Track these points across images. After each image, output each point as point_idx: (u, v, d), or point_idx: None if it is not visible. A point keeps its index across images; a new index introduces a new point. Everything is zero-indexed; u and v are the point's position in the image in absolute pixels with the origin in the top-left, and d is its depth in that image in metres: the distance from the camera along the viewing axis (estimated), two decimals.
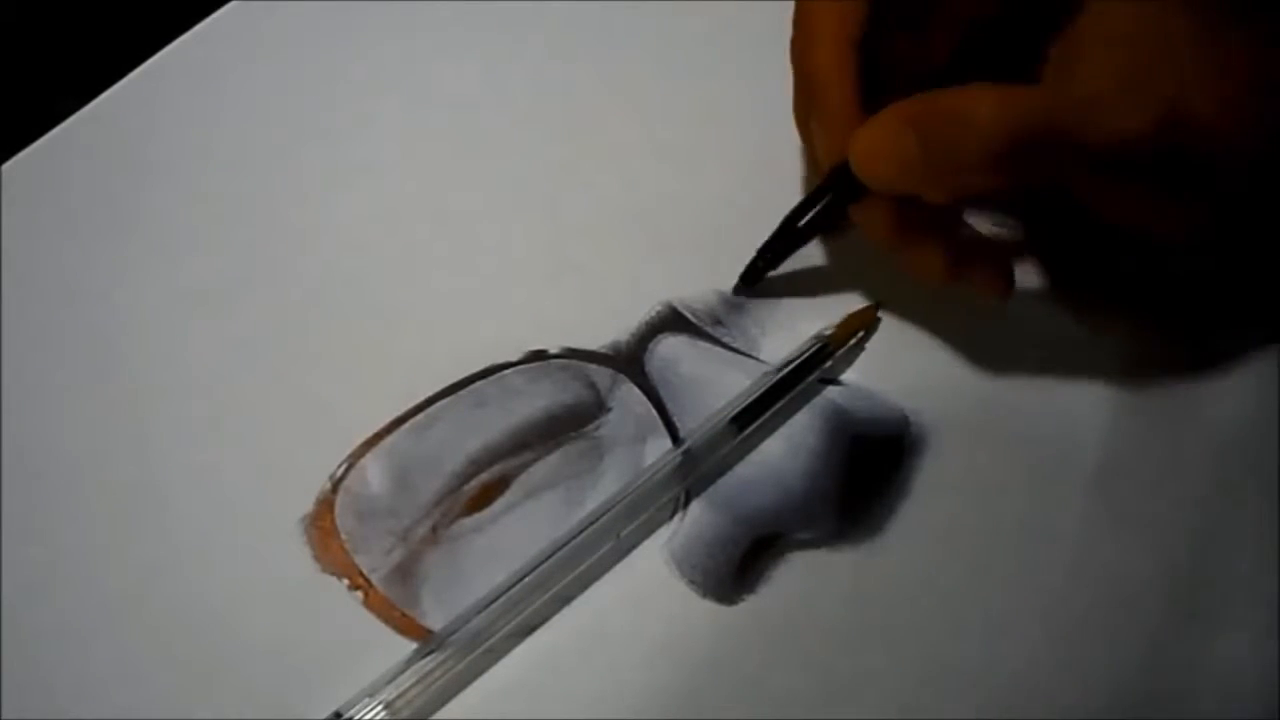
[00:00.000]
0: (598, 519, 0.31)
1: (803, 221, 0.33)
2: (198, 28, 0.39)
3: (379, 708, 0.29)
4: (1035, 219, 0.35)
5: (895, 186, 0.30)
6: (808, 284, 0.35)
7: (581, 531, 0.31)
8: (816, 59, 0.31)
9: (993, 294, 0.33)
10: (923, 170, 0.29)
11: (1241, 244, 0.33)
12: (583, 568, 0.31)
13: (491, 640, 0.30)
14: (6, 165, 0.37)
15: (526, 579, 0.30)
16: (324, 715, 0.29)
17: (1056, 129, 0.28)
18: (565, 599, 0.31)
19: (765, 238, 0.34)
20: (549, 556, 0.31)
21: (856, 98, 0.31)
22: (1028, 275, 0.35)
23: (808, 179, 0.36)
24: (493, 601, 0.30)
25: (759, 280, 0.34)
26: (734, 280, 0.35)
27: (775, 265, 0.34)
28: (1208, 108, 0.28)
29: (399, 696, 0.29)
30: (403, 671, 0.29)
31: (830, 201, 0.33)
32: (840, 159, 0.31)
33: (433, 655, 0.30)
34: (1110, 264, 0.35)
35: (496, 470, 0.33)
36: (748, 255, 0.35)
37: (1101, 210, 0.31)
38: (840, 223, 0.34)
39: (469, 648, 0.30)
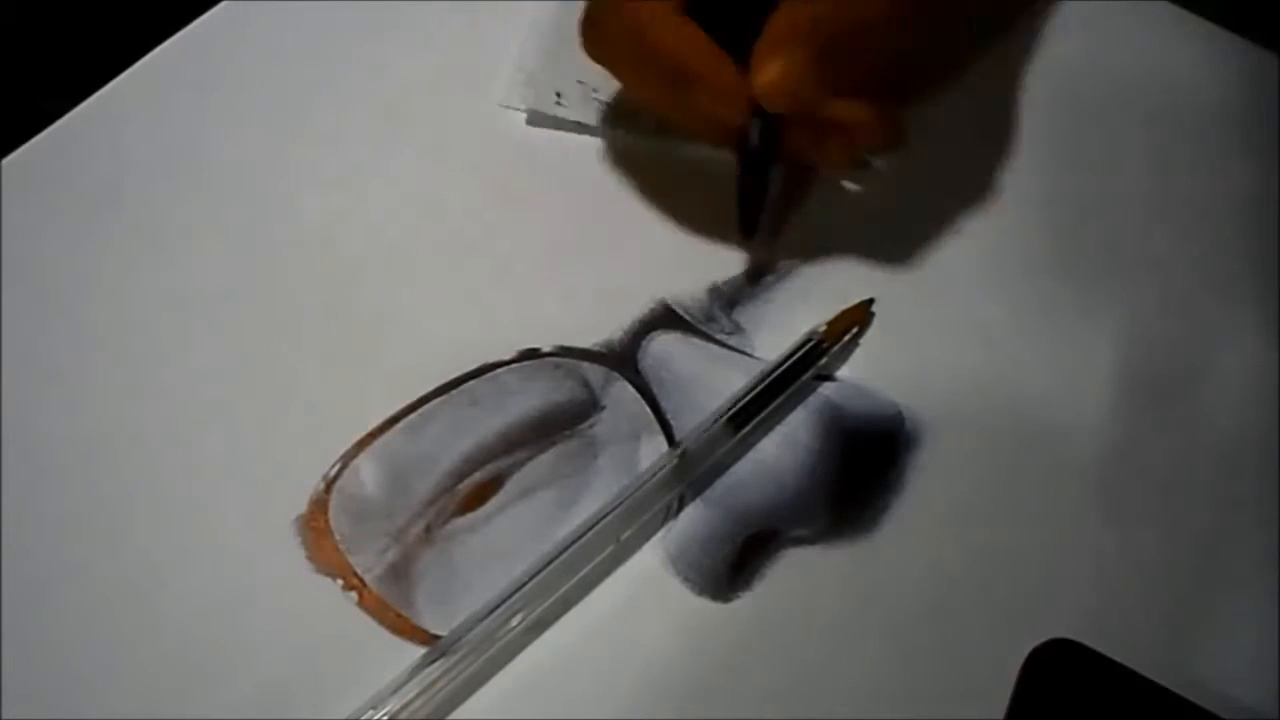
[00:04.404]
0: (596, 524, 0.31)
1: (754, 161, 0.34)
2: (189, 27, 0.39)
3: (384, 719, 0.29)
4: None
5: (807, 102, 0.31)
6: (802, 279, 0.35)
7: (580, 538, 0.31)
8: (666, 41, 0.32)
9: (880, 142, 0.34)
10: (826, 74, 0.31)
11: None
12: (582, 573, 0.31)
13: (492, 649, 0.30)
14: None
15: (526, 586, 0.30)
16: (317, 716, 0.29)
17: None
18: (562, 603, 0.31)
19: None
20: (548, 564, 0.31)
21: (722, 52, 0.31)
22: (1018, 267, 0.35)
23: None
24: (493, 610, 0.30)
25: (756, 225, 0.35)
26: (728, 276, 0.35)
27: (760, 207, 0.35)
28: None
29: (403, 707, 0.29)
30: (407, 681, 0.29)
31: (764, 142, 0.33)
32: (744, 110, 0.32)
33: (436, 664, 0.30)
34: None
35: (490, 469, 0.33)
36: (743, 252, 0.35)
37: None
38: (778, 156, 0.34)
39: (470, 657, 0.30)
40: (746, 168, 0.34)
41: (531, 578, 0.30)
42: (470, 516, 0.32)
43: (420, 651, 0.30)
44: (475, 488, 0.33)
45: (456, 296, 0.35)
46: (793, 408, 0.33)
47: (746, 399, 0.32)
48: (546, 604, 0.31)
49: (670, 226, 0.36)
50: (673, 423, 0.33)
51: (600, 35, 0.33)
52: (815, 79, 0.31)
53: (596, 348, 0.34)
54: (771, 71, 0.31)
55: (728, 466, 0.33)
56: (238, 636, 0.31)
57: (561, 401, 0.33)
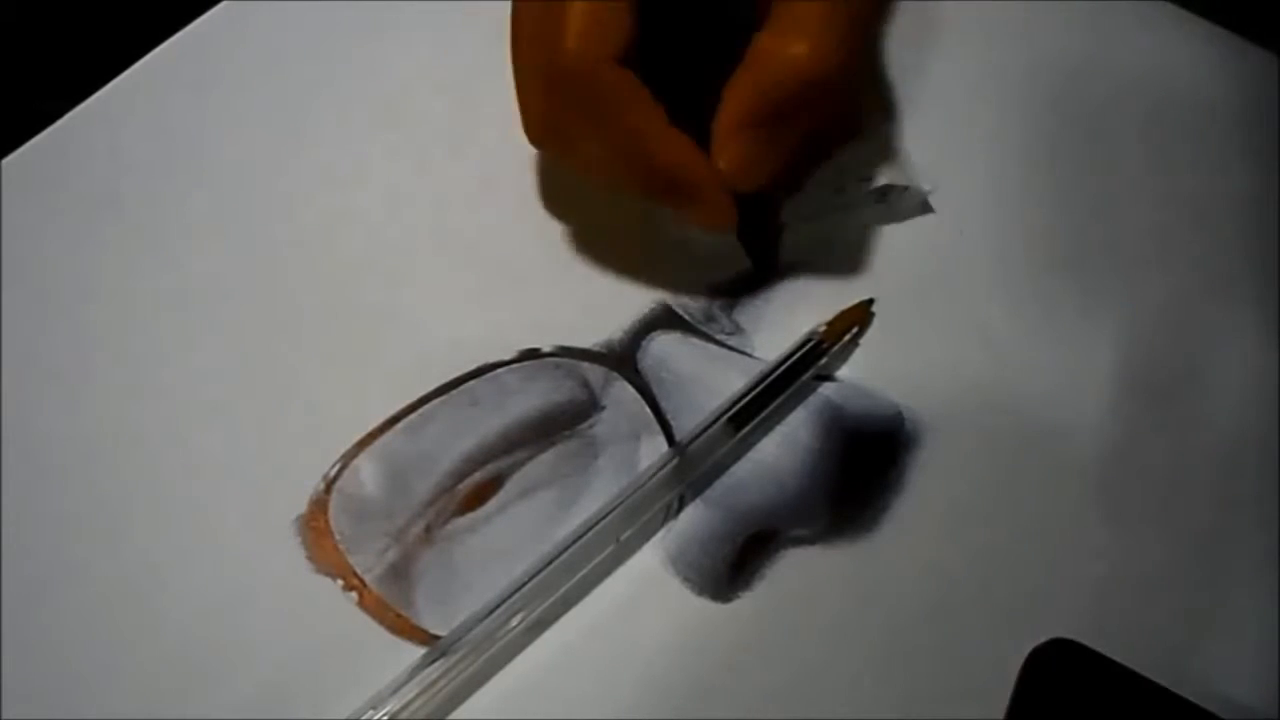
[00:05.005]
0: (596, 524, 0.31)
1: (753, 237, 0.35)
2: (189, 27, 0.39)
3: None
4: None
5: (774, 176, 0.31)
6: (802, 280, 0.35)
7: (580, 538, 0.31)
8: (663, 156, 0.30)
9: None
10: (788, 146, 0.31)
11: None
12: (582, 573, 0.31)
13: (493, 649, 0.30)
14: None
15: (526, 586, 0.30)
16: (317, 716, 0.29)
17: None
18: (562, 603, 0.31)
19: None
20: (548, 564, 0.31)
21: (710, 170, 0.30)
22: (1018, 266, 0.35)
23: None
24: (493, 610, 0.30)
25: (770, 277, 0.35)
26: (728, 276, 0.35)
27: (768, 267, 0.35)
28: None
29: (403, 707, 0.29)
30: (407, 681, 0.29)
31: (754, 213, 0.33)
32: (734, 222, 0.31)
33: (436, 664, 0.30)
34: None
35: (490, 469, 0.33)
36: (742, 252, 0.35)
37: None
38: (773, 221, 0.35)
39: (470, 657, 0.30)
40: (750, 246, 0.35)
41: (531, 578, 0.30)
42: (470, 516, 0.32)
43: (420, 651, 0.30)
44: (475, 488, 0.33)
45: (456, 296, 0.35)
46: (793, 408, 0.33)
47: (746, 399, 0.32)
48: (546, 604, 0.31)
49: (670, 226, 0.35)
50: (673, 423, 0.33)
51: (567, 143, 0.31)
52: (774, 154, 0.31)
53: (596, 348, 0.34)
54: (734, 158, 0.30)
55: (728, 466, 0.33)
56: (238, 636, 0.31)
57: (561, 401, 0.33)
